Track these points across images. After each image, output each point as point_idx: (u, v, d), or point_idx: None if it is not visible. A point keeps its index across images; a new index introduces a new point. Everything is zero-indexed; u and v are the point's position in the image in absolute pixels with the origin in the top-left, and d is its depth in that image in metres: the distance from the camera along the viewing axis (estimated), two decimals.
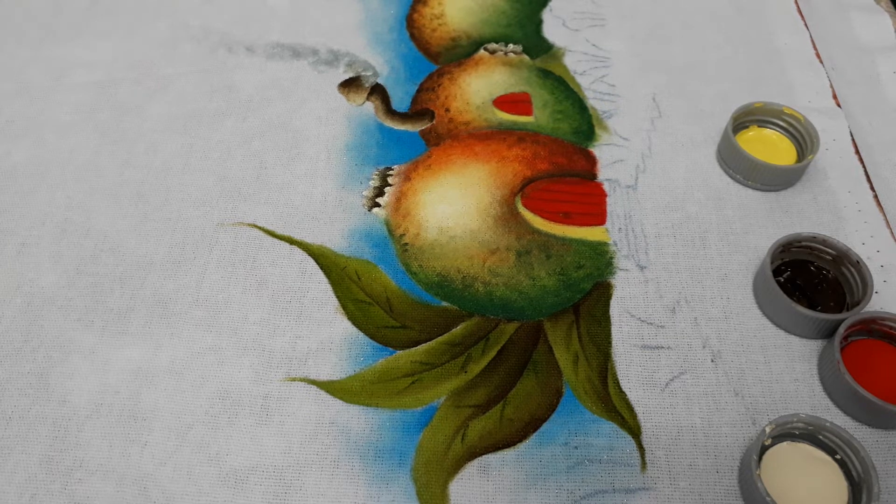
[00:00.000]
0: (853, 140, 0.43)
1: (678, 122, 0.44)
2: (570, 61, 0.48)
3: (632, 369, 0.35)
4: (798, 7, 0.51)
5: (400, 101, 0.47)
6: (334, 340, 0.37)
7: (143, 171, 0.45)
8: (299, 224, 0.42)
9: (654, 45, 0.49)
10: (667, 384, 0.35)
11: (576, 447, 0.33)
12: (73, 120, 0.48)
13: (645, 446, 0.33)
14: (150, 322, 0.38)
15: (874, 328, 0.34)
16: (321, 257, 0.40)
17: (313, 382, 0.36)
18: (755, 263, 0.38)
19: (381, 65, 0.50)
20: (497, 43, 0.50)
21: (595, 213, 0.41)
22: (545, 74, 0.48)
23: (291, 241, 0.41)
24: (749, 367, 0.35)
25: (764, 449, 0.31)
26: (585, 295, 0.38)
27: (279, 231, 0.41)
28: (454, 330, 0.37)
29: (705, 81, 0.46)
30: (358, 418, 0.35)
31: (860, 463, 0.30)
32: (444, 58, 0.50)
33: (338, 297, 0.39)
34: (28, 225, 0.43)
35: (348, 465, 0.33)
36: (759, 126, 0.42)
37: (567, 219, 0.40)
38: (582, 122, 0.45)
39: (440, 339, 0.37)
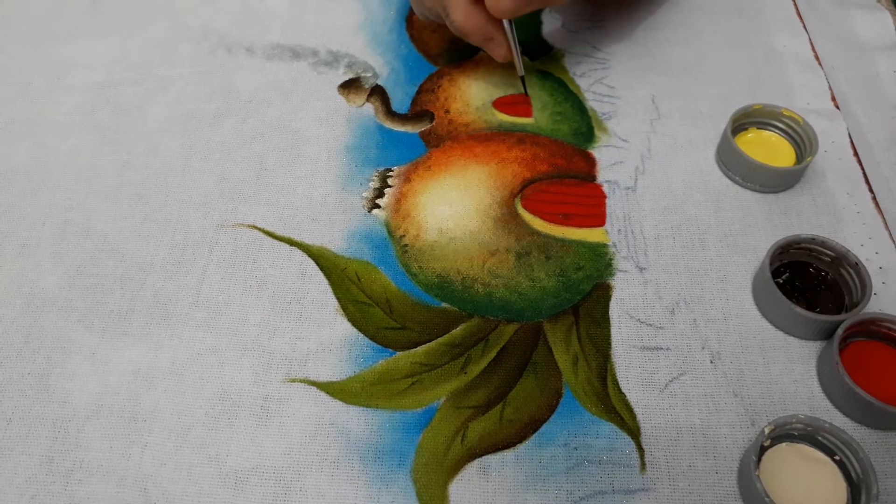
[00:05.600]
0: (852, 142, 0.43)
1: (677, 123, 0.45)
2: (569, 63, 0.49)
3: (631, 370, 0.35)
4: (797, 9, 0.51)
5: (400, 102, 0.47)
6: (334, 342, 0.37)
7: (143, 172, 0.45)
8: (299, 225, 0.42)
9: (654, 47, 0.49)
10: (666, 385, 0.35)
11: (575, 448, 0.33)
12: (72, 121, 0.48)
13: (644, 447, 0.33)
14: (151, 323, 0.38)
15: (873, 329, 0.34)
16: (321, 258, 0.40)
17: (313, 383, 0.36)
18: (754, 265, 0.38)
19: (380, 66, 0.50)
20: None
21: (594, 214, 0.41)
22: (545, 76, 0.48)
23: (291, 243, 0.41)
24: (748, 368, 0.35)
25: (763, 450, 0.31)
26: (585, 296, 0.38)
27: (279, 232, 0.41)
28: (454, 331, 0.37)
29: (704, 83, 0.47)
30: (358, 419, 0.35)
31: (859, 464, 0.30)
32: (444, 59, 0.50)
33: (338, 298, 0.39)
34: (28, 226, 0.43)
35: (348, 466, 0.33)
36: (758, 128, 0.43)
37: (566, 220, 0.41)
38: (581, 124, 0.45)
39: (440, 340, 0.37)
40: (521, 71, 0.45)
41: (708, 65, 0.48)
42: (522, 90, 0.46)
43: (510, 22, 0.42)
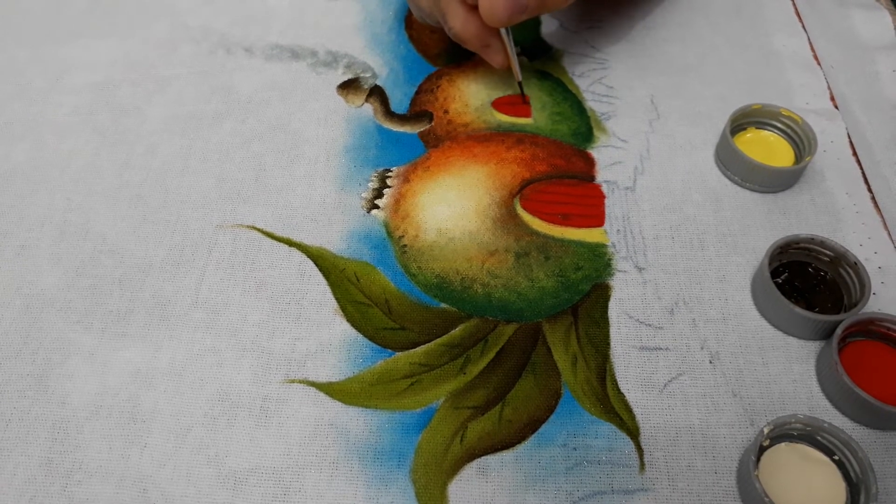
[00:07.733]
0: (851, 142, 0.43)
1: (676, 123, 0.45)
2: (568, 63, 0.49)
3: (630, 370, 0.35)
4: (796, 8, 0.51)
5: (399, 102, 0.47)
6: (333, 342, 0.37)
7: (142, 172, 0.45)
8: (298, 226, 0.42)
9: (652, 47, 0.49)
10: (665, 385, 0.35)
11: (574, 448, 0.33)
12: (72, 121, 0.48)
13: (643, 447, 0.33)
14: (150, 324, 0.38)
15: (872, 329, 0.34)
16: (320, 259, 0.40)
17: (312, 384, 0.36)
18: (753, 265, 0.38)
19: (379, 66, 0.50)
20: None
21: (593, 214, 0.41)
22: (544, 76, 0.48)
23: (290, 243, 0.41)
24: (747, 368, 0.35)
25: (762, 450, 0.31)
26: (584, 296, 0.38)
27: (278, 233, 0.41)
28: (453, 331, 0.37)
29: (703, 83, 0.46)
30: (357, 420, 0.35)
31: (858, 464, 0.30)
32: (443, 59, 0.50)
33: (337, 298, 0.39)
34: (27, 227, 0.43)
35: (347, 467, 0.33)
36: (756, 128, 0.43)
37: (565, 220, 0.41)
38: (580, 124, 0.45)
39: (439, 340, 0.37)
40: (518, 77, 0.45)
41: (707, 65, 0.48)
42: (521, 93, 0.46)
43: (507, 29, 0.42)
